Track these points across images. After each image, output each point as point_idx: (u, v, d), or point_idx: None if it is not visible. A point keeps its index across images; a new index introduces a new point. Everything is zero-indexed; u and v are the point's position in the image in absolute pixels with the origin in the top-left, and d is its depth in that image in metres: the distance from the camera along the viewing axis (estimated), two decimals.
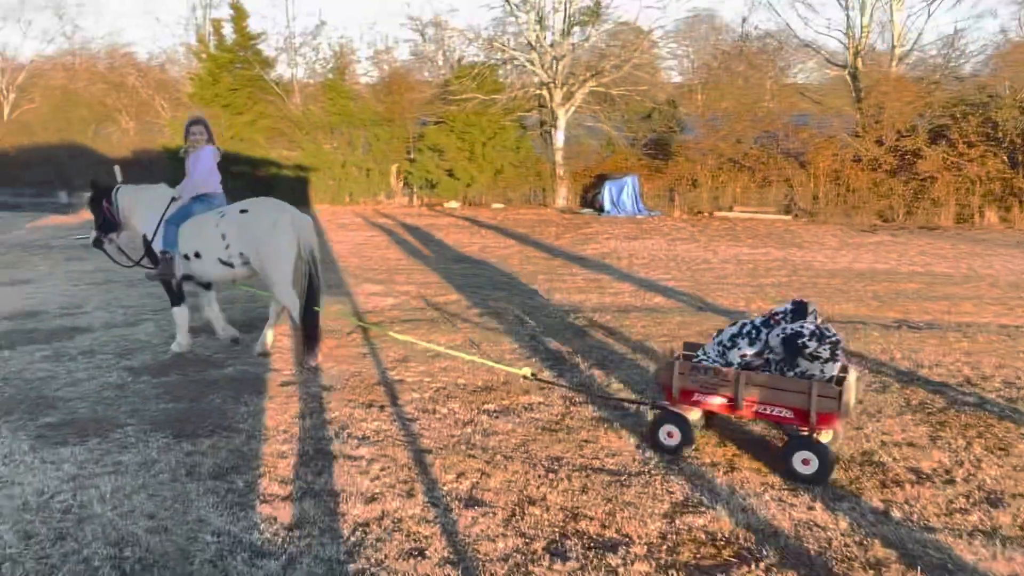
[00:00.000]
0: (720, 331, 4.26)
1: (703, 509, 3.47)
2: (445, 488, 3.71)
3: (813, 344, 3.74)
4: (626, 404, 4.81)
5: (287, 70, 28.59)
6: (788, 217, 19.03)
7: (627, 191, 20.79)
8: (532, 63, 21.92)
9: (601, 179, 21.61)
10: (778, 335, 3.89)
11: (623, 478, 3.82)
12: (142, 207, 6.28)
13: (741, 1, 45.88)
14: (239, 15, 27.26)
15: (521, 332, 6.92)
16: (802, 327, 3.84)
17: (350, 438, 4.35)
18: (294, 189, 24.25)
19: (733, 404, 3.95)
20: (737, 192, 20.32)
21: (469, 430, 4.49)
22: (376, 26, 60.16)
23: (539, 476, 3.85)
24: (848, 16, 21.01)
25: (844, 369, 4.00)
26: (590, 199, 22.24)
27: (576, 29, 21.85)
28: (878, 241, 14.38)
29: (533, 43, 22.02)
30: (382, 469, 3.92)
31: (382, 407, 4.91)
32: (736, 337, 4.09)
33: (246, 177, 25.80)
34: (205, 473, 3.86)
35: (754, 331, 4.05)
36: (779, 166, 19.38)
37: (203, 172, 6.11)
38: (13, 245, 13.77)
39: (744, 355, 4.03)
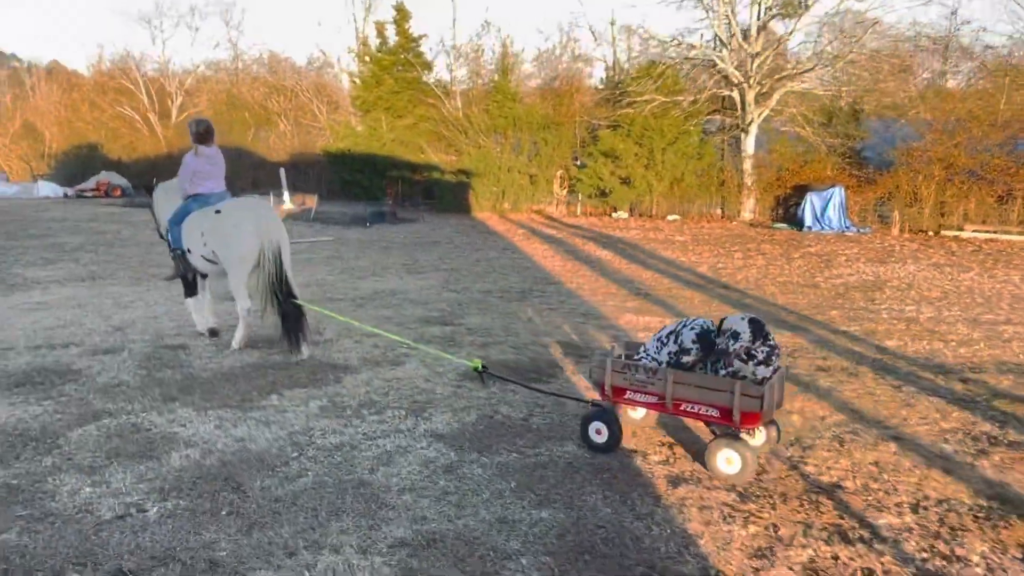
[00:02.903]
0: (664, 327, 4.25)
1: None
2: None
3: (756, 344, 3.77)
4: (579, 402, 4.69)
5: (447, 73, 27.84)
6: None
7: (833, 204, 18.40)
8: (723, 61, 19.89)
9: (800, 190, 19.30)
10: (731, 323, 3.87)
11: None
12: (164, 205, 6.76)
13: None
14: (401, 16, 26.82)
15: (916, 400, 5.08)
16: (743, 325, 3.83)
17: None
18: (456, 195, 23.35)
19: (662, 402, 3.97)
20: (970, 208, 17.48)
21: None
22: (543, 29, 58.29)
23: None
24: None
25: (776, 372, 3.91)
26: (783, 212, 19.99)
27: (775, 22, 19.66)
28: None
29: (724, 39, 20.01)
30: None
31: (863, 539, 3.23)
32: (671, 334, 4.07)
33: (404, 182, 25.19)
34: None
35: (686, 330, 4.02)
36: None
37: (183, 174, 6.39)
38: None
39: (671, 352, 4.02)
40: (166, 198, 6.76)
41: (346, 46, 26.52)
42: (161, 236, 7.04)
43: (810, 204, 18.52)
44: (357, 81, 27.21)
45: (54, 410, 4.81)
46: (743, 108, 19.97)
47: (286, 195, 25.63)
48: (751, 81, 19.58)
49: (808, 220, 18.45)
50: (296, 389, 5.29)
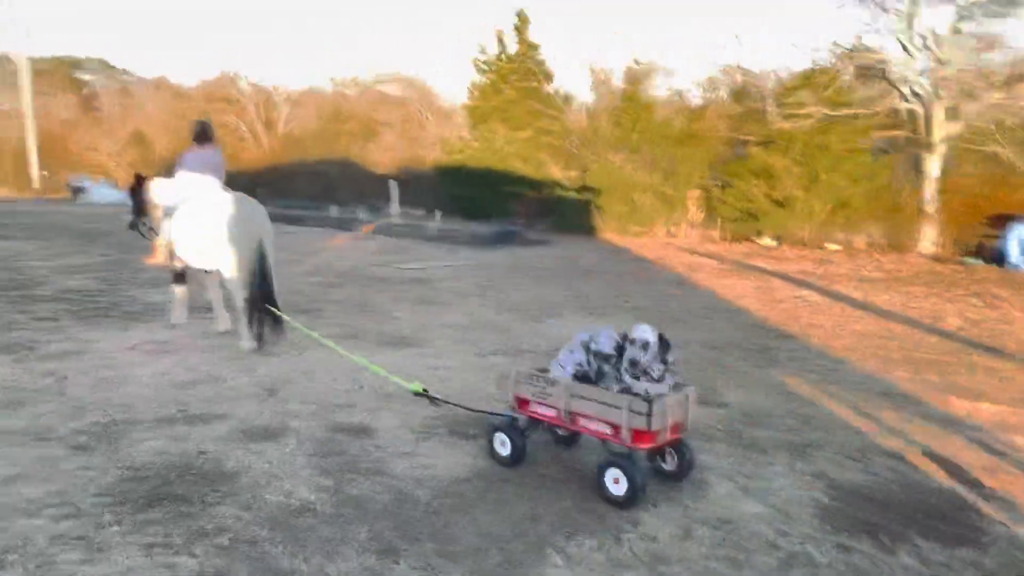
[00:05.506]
0: (576, 336, 4.00)
1: None
2: None
3: (648, 358, 3.62)
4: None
5: (569, 83, 25.98)
6: None
7: None
8: (905, 69, 17.21)
9: (999, 220, 16.37)
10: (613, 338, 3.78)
11: None
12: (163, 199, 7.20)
13: None
14: (522, 23, 25.17)
15: None
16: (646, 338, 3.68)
17: None
18: (579, 214, 21.35)
19: (560, 415, 3.83)
20: None
21: None
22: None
23: None
24: None
25: (677, 390, 3.71)
26: (975, 246, 17.06)
27: (971, 25, 16.85)
28: None
29: (907, 44, 17.33)
30: None
31: None
32: (581, 345, 3.89)
33: (520, 198, 23.31)
34: None
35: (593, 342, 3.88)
36: None
37: (178, 171, 6.79)
38: (341, 274, 11.54)
39: (578, 363, 3.85)
40: (161, 196, 7.30)
41: (474, 58, 24.58)
42: (135, 227, 7.76)
43: (1015, 237, 15.60)
44: (474, 90, 25.62)
45: (215, 572, 2.95)
46: (927, 124, 17.19)
47: (395, 207, 24.32)
48: (939, 93, 16.81)
49: (1013, 255, 15.52)
50: (580, 537, 3.27)
